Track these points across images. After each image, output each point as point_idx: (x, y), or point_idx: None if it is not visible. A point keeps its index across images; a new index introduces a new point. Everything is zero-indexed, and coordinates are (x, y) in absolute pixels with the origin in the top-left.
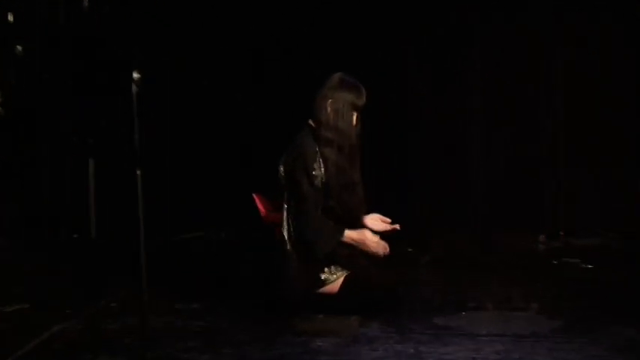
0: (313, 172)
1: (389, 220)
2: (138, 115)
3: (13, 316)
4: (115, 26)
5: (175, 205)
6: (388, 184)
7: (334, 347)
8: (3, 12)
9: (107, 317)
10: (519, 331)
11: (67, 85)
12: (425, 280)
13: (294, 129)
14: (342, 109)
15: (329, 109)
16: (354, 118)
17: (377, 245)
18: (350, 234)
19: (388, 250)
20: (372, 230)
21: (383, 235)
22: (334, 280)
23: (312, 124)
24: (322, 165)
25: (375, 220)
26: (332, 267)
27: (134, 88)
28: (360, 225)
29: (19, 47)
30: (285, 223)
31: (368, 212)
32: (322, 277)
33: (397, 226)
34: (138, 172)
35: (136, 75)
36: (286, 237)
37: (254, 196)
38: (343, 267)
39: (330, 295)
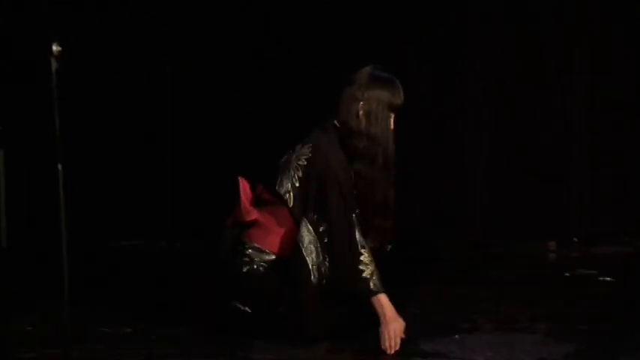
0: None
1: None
2: (60, 99)
3: None
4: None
5: (114, 207)
6: None
7: None
8: None
9: (21, 345)
10: (524, 358)
11: None
12: (409, 294)
13: (292, 130)
14: (375, 111)
15: (360, 112)
16: (391, 121)
17: (393, 340)
18: (385, 301)
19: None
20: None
21: None
22: None
23: (338, 126)
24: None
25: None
26: None
27: (54, 64)
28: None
29: None
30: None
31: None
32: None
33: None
34: (59, 167)
35: (56, 48)
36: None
37: (240, 179)
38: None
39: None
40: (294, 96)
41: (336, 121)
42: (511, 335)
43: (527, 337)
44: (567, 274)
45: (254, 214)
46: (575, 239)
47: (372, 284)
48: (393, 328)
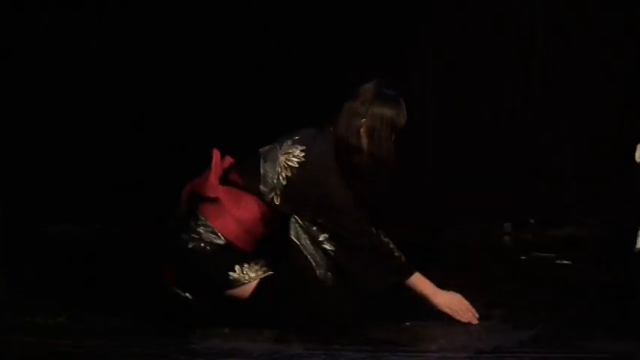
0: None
1: None
2: None
3: None
4: None
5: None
6: None
7: None
8: None
9: None
10: (479, 345)
11: None
12: None
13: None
14: (379, 129)
15: (362, 129)
16: (393, 139)
17: (463, 313)
18: (422, 282)
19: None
20: None
21: None
22: (247, 282)
23: (336, 139)
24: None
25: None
26: (245, 265)
27: None
28: None
29: None
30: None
31: None
32: (231, 277)
33: None
34: None
35: None
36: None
37: (215, 152)
38: (265, 266)
39: (239, 302)
40: (293, 96)
41: (333, 130)
42: (466, 322)
43: (482, 324)
44: (523, 257)
45: (218, 192)
46: (532, 221)
47: (406, 269)
48: (449, 300)
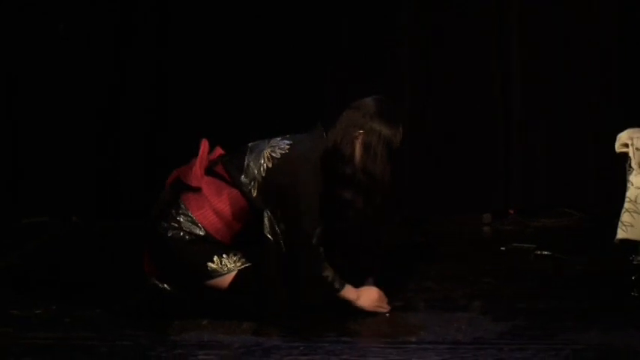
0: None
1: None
2: None
3: None
4: None
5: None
6: None
7: None
8: None
9: None
10: (458, 337)
11: None
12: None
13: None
14: (375, 145)
15: (357, 141)
16: (387, 158)
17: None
18: (350, 293)
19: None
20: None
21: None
22: (225, 273)
23: (326, 142)
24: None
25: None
26: (224, 256)
27: None
28: None
29: None
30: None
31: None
32: (209, 268)
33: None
34: None
35: None
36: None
37: (204, 142)
38: (243, 257)
39: (218, 292)
40: (281, 95)
41: (325, 135)
42: (445, 313)
43: (462, 316)
44: (503, 248)
45: (202, 182)
46: (511, 211)
47: (336, 284)
48: (368, 299)
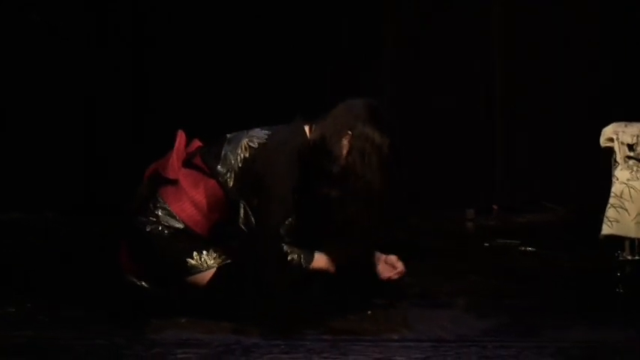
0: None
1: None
2: None
3: None
4: None
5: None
6: None
7: None
8: None
9: None
10: (441, 334)
11: None
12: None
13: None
14: (362, 149)
15: (345, 141)
16: (374, 164)
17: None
18: (319, 262)
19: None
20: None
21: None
22: (204, 270)
23: (308, 135)
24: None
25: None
26: (204, 252)
27: None
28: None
29: None
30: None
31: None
32: (189, 264)
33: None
34: None
35: None
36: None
37: (180, 133)
38: (224, 254)
39: (197, 290)
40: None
41: (308, 127)
42: (428, 310)
43: (444, 313)
44: (487, 244)
45: (179, 174)
46: (495, 207)
47: (302, 262)
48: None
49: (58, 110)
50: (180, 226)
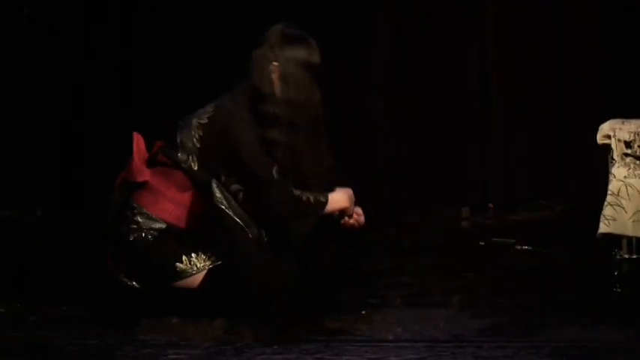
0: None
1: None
2: None
3: None
4: None
5: None
6: None
7: None
8: None
9: None
10: (437, 334)
11: None
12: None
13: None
14: (292, 73)
15: (274, 75)
16: (311, 82)
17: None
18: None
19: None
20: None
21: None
22: (194, 273)
23: (248, 91)
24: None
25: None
26: (193, 255)
27: None
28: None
29: None
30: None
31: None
32: (178, 268)
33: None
34: None
35: None
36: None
37: (135, 135)
38: (213, 255)
39: (189, 291)
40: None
41: (245, 85)
42: (423, 310)
43: (440, 312)
44: (482, 242)
45: (146, 175)
46: (490, 205)
47: (321, 198)
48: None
49: (45, 108)
50: (162, 226)
